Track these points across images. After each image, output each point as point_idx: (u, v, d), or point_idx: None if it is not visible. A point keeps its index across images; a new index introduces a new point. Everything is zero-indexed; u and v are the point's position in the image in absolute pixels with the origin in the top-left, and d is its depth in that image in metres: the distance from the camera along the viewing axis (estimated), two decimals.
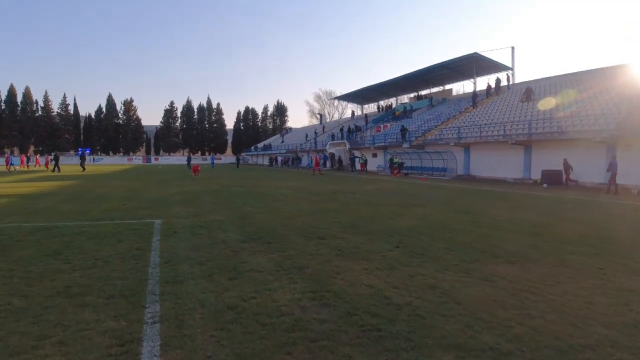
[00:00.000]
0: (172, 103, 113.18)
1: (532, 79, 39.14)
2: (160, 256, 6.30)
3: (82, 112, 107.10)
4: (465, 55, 41.08)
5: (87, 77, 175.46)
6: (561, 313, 4.21)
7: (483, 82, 43.74)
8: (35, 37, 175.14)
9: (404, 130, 40.69)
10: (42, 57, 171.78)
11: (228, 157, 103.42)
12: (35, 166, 46.79)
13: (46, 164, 45.62)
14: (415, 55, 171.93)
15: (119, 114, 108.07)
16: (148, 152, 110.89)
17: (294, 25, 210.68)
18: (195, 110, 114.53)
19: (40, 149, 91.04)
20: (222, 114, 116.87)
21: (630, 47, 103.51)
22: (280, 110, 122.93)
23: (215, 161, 70.33)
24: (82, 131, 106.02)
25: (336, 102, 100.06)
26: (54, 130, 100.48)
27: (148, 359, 3.17)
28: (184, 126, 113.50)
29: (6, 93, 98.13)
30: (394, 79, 53.76)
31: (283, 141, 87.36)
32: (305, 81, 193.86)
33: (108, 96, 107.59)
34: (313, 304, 4.34)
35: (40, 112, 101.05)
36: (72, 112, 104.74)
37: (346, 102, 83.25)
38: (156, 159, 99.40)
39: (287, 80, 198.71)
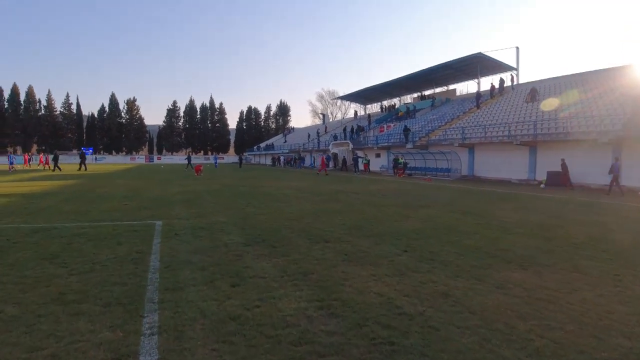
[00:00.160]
0: (174, 102, 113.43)
1: (536, 80, 38.86)
2: (161, 260, 6.09)
3: (85, 112, 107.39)
4: (470, 55, 40.85)
5: (90, 76, 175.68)
6: (581, 323, 4.00)
7: (487, 83, 43.46)
8: (38, 36, 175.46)
9: (406, 130, 40.44)
10: (45, 56, 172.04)
11: (231, 157, 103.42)
12: (38, 165, 46.65)
13: (46, 163, 45.37)
14: (418, 56, 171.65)
15: (122, 114, 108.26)
16: (151, 152, 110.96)
17: (297, 25, 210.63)
18: (198, 109, 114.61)
19: (43, 147, 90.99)
20: (224, 113, 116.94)
21: (630, 47, 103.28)
22: (283, 110, 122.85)
23: (218, 161, 70.28)
24: (84, 130, 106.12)
25: (339, 102, 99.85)
26: (56, 129, 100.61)
27: None
28: (187, 126, 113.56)
29: (9, 92, 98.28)
30: (397, 79, 53.58)
31: (286, 141, 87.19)
32: (308, 81, 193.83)
33: (111, 95, 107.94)
34: (320, 313, 4.12)
35: (43, 111, 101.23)
36: (74, 111, 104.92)
37: (349, 102, 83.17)
38: (159, 159, 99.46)
39: (290, 80, 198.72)
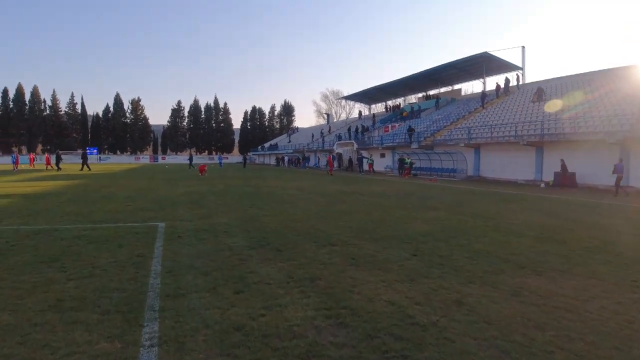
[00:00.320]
0: (179, 102, 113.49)
1: (542, 79, 38.54)
2: (162, 264, 5.91)
3: (90, 111, 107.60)
4: (475, 55, 40.56)
5: (94, 76, 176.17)
6: (602, 334, 3.79)
7: (492, 83, 43.15)
8: (43, 36, 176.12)
9: (410, 130, 40.21)
10: (50, 56, 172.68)
11: (235, 157, 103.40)
12: (45, 167, 46.74)
13: (47, 162, 45.30)
14: (424, 55, 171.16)
15: (127, 113, 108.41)
16: (155, 152, 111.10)
17: (302, 25, 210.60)
18: (203, 109, 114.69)
19: (48, 147, 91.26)
20: (229, 113, 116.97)
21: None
22: (288, 110, 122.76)
23: (223, 161, 70.26)
24: (89, 130, 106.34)
25: (343, 102, 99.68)
26: (61, 129, 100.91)
27: None
28: (191, 125, 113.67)
29: (14, 92, 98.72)
30: (401, 78, 53.30)
31: (290, 141, 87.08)
32: (313, 81, 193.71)
33: (116, 95, 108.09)
34: (328, 323, 3.91)
35: (48, 111, 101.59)
36: (79, 111, 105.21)
37: (353, 102, 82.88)
38: (163, 158, 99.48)
39: (294, 80, 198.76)
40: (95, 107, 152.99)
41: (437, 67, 46.30)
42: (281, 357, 3.25)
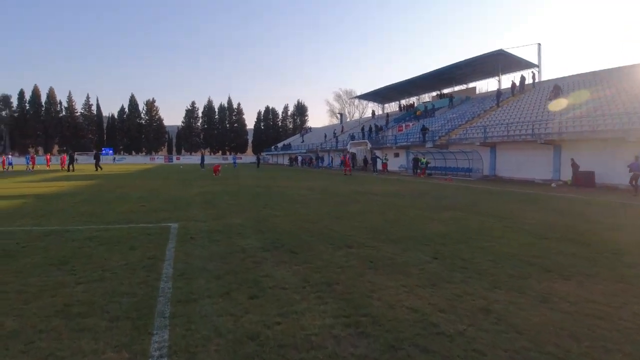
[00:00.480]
0: (193, 103, 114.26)
1: (559, 77, 37.84)
2: (174, 267, 5.72)
3: (105, 113, 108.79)
4: (490, 53, 39.97)
5: (109, 77, 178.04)
6: (639, 344, 3.52)
7: (508, 81, 42.50)
8: (58, 38, 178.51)
9: (424, 129, 39.76)
10: (65, 58, 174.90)
11: (248, 157, 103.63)
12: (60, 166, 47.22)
13: (62, 164, 45.83)
14: (438, 54, 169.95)
15: (142, 114, 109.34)
16: (170, 152, 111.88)
17: (314, 25, 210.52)
18: (216, 110, 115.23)
19: (64, 148, 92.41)
20: (242, 113, 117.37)
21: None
22: (301, 110, 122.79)
23: (237, 161, 70.48)
24: (105, 131, 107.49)
25: (356, 101, 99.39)
26: (77, 130, 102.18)
27: None
28: (205, 126, 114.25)
29: (30, 94, 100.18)
30: (415, 77, 52.85)
31: (303, 141, 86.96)
32: (326, 81, 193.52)
33: (130, 97, 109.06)
34: (348, 332, 3.66)
35: (64, 113, 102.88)
36: (95, 112, 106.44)
37: (367, 102, 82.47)
38: (178, 159, 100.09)
39: (307, 79, 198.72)
40: (110, 108, 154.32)
41: (451, 65, 45.74)
42: None
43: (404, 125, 49.94)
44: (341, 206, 13.16)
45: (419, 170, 35.63)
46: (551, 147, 26.64)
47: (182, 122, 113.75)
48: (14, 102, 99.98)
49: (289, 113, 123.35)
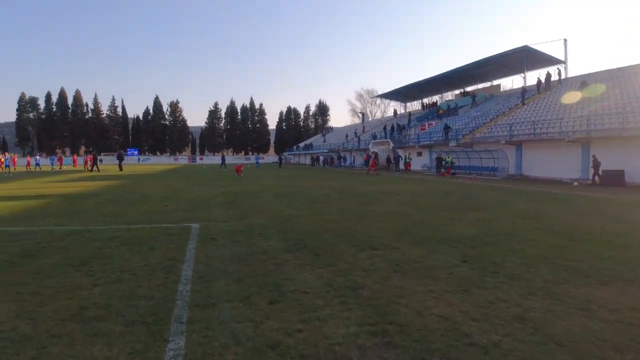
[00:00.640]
0: (216, 104, 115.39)
1: (586, 73, 36.74)
2: (194, 269, 5.56)
3: (130, 114, 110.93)
4: (515, 49, 39.05)
5: (134, 79, 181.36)
6: None
7: (533, 77, 41.44)
8: (84, 42, 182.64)
9: (447, 128, 39.08)
10: (91, 61, 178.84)
11: (270, 157, 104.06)
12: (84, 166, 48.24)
13: (85, 164, 46.91)
14: (461, 51, 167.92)
15: (166, 116, 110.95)
16: (193, 152, 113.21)
17: (337, 25, 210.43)
18: (239, 110, 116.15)
19: (91, 149, 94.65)
20: (264, 114, 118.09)
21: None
22: (322, 110, 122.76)
23: (260, 160, 70.89)
24: (130, 132, 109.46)
25: (378, 100, 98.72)
26: (103, 131, 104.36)
27: None
28: (228, 126, 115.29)
29: (57, 96, 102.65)
30: (438, 75, 52.07)
31: (325, 140, 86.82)
32: (347, 80, 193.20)
33: (155, 98, 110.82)
34: (374, 342, 3.40)
35: (90, 114, 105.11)
36: (120, 113, 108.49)
37: (388, 101, 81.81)
38: (201, 159, 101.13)
39: (329, 79, 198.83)
40: (135, 110, 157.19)
41: (475, 62, 44.91)
42: None
43: (426, 124, 49.28)
44: (364, 206, 12.89)
45: (442, 170, 35.04)
46: (579, 145, 25.84)
47: (206, 122, 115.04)
48: (41, 104, 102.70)
49: (311, 113, 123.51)
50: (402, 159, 42.35)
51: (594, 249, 6.94)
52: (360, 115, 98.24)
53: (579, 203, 14.17)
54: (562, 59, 39.58)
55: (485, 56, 43.16)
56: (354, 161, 61.16)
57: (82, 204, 13.37)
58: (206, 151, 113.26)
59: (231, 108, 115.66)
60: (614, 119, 24.38)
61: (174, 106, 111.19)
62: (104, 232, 8.24)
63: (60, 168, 48.45)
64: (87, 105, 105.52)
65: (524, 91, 38.67)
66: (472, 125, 38.71)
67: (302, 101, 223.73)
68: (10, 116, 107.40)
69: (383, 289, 4.76)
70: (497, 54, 41.63)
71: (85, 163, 46.87)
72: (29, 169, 43.53)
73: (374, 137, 57.27)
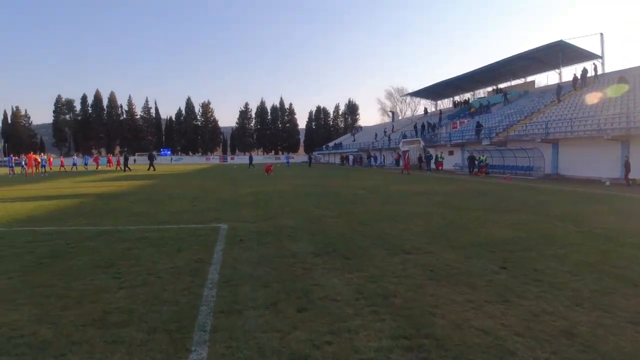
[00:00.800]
0: (246, 105, 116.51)
1: (624, 68, 35.17)
2: (220, 272, 5.41)
3: (163, 115, 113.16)
4: (550, 44, 37.71)
5: (167, 81, 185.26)
6: None
7: (568, 73, 39.95)
8: (119, 45, 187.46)
9: (479, 127, 38.09)
10: (125, 64, 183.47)
11: (300, 156, 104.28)
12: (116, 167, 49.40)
13: (117, 164, 48.06)
14: (494, 47, 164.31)
15: (197, 116, 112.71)
16: (224, 152, 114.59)
17: (365, 24, 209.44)
18: (269, 110, 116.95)
19: (125, 149, 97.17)
20: (294, 114, 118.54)
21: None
22: (352, 109, 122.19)
23: (290, 160, 71.18)
24: (163, 133, 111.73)
25: (408, 99, 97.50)
26: (137, 132, 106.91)
27: None
28: (258, 126, 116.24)
29: (92, 98, 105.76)
30: (469, 72, 50.78)
31: (354, 140, 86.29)
32: (377, 79, 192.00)
33: (187, 99, 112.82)
34: (409, 358, 3.14)
35: (124, 116, 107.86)
36: (153, 115, 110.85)
37: (419, 99, 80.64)
38: (232, 159, 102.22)
39: (358, 78, 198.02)
40: (168, 111, 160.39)
41: (508, 58, 43.58)
42: None
43: (458, 122, 48.21)
44: (396, 207, 12.56)
45: (475, 169, 34.17)
46: (619, 143, 24.69)
47: (236, 123, 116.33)
48: (77, 106, 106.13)
49: (340, 112, 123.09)
50: (433, 158, 41.56)
51: (639, 255, 6.47)
52: (390, 114, 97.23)
53: (617, 204, 13.45)
54: (599, 53, 38.09)
55: (519, 52, 41.88)
56: (384, 160, 60.53)
57: (114, 203, 13.52)
58: (237, 151, 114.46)
59: (261, 108, 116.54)
60: None
61: (206, 107, 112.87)
62: (133, 233, 8.22)
63: (97, 168, 49.79)
64: (121, 106, 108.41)
65: (559, 88, 37.29)
66: (506, 123, 37.61)
67: (332, 101, 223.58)
68: (47, 118, 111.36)
69: (417, 297, 4.48)
70: (531, 50, 40.29)
71: (118, 164, 47.98)
72: (63, 169, 44.77)
73: (404, 136, 56.47)
